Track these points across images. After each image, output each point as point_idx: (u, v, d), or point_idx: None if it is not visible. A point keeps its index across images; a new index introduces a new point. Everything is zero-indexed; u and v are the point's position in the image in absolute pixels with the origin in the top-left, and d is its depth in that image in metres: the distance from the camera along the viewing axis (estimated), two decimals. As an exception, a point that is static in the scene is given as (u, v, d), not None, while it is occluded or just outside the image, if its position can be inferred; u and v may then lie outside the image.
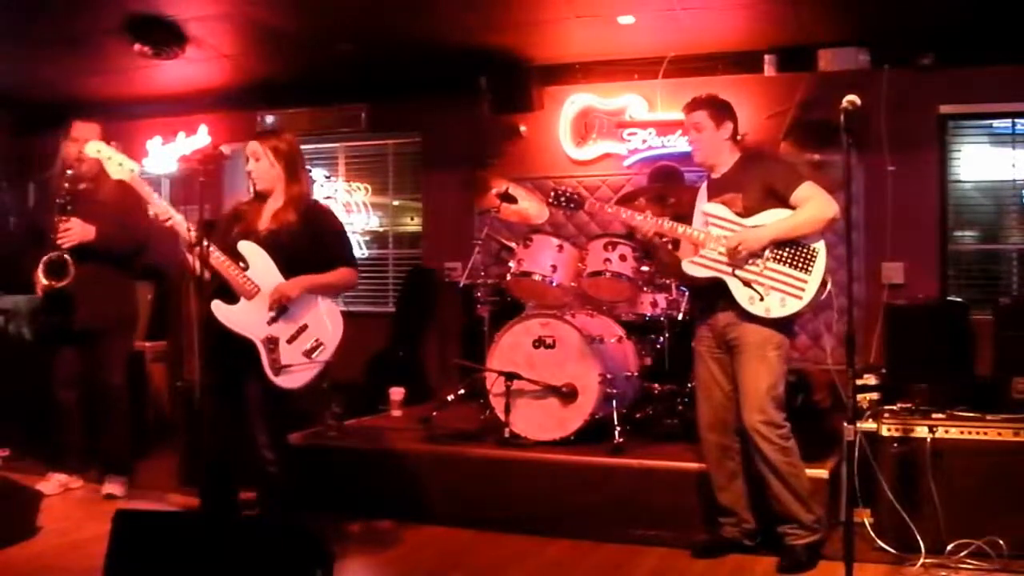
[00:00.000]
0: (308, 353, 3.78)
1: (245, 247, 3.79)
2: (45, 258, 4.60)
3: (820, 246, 3.78)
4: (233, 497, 3.89)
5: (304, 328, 3.79)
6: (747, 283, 3.81)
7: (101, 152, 3.88)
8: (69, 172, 4.68)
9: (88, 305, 4.75)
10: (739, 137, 4.06)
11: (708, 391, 4.01)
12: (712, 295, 3.93)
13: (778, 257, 3.79)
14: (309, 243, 3.82)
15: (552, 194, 4.21)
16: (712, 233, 3.88)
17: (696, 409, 4.09)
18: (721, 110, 3.98)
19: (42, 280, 4.62)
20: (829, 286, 3.77)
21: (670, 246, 4.13)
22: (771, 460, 3.77)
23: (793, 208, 3.80)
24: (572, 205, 4.19)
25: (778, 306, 3.77)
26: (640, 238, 4.07)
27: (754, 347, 3.81)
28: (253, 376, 3.74)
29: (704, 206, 3.97)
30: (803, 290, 3.75)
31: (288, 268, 3.79)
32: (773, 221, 3.80)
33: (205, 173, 3.71)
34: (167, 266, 6.02)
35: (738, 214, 3.86)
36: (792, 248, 3.79)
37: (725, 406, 3.95)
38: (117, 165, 3.86)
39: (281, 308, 3.75)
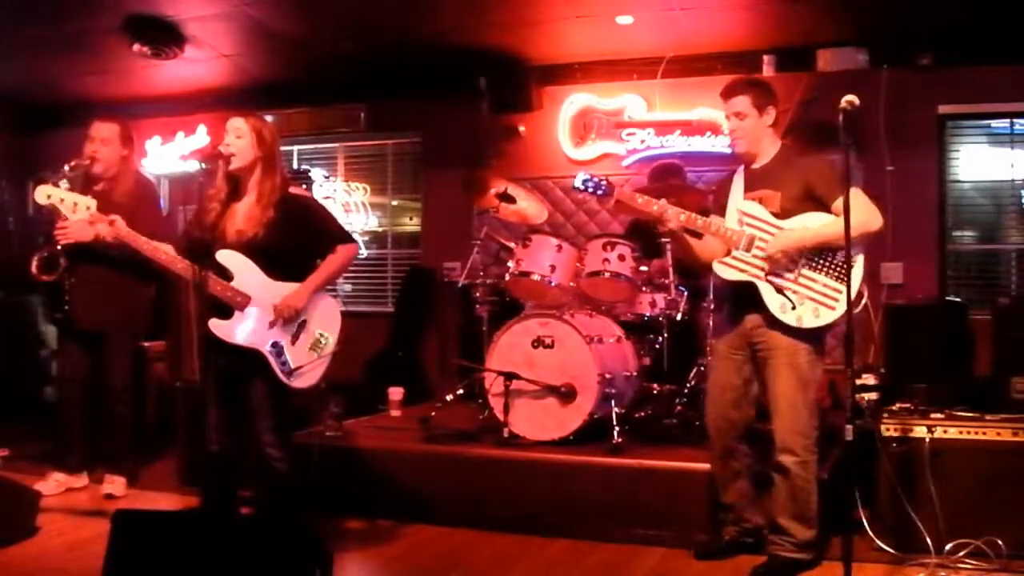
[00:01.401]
0: (314, 348, 3.77)
1: (225, 256, 3.64)
2: (38, 254, 4.60)
3: (859, 256, 3.54)
4: (235, 495, 3.88)
5: (304, 324, 3.76)
6: (780, 290, 3.63)
7: (52, 196, 3.80)
8: (68, 169, 4.66)
9: (91, 306, 4.74)
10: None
11: (719, 391, 3.88)
12: (740, 297, 3.77)
13: (814, 265, 3.61)
14: (293, 239, 3.69)
15: (580, 179, 3.88)
16: (747, 233, 3.69)
17: (705, 407, 3.99)
18: (765, 94, 3.71)
19: (33, 273, 4.62)
20: (865, 298, 3.65)
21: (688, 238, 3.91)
22: (788, 470, 3.66)
23: (834, 214, 3.57)
24: (601, 191, 3.85)
25: (811, 316, 3.59)
26: (664, 230, 3.79)
27: (784, 354, 3.64)
28: (255, 375, 3.71)
29: (740, 204, 3.74)
30: (838, 301, 3.56)
31: (274, 268, 3.69)
32: (815, 226, 3.60)
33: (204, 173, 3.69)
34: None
35: (775, 215, 3.66)
36: (829, 257, 3.60)
37: (735, 406, 3.84)
38: (72, 206, 3.80)
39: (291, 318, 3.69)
